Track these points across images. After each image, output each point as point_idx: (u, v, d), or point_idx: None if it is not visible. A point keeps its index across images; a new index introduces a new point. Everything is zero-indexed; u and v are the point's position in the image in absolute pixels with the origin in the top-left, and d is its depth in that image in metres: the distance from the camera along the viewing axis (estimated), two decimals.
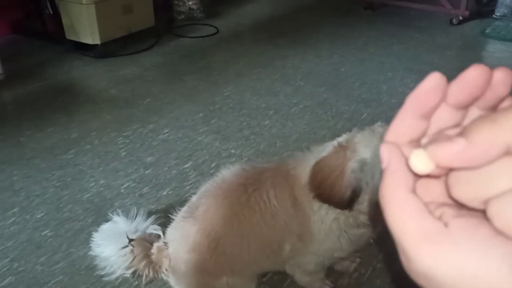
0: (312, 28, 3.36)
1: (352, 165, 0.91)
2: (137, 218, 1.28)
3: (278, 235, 1.06)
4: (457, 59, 2.82)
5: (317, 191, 0.95)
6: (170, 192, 1.63)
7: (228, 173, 1.12)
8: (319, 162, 0.96)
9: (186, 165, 1.80)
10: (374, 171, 0.90)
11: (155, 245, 1.21)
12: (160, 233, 1.23)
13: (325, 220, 1.02)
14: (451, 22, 3.37)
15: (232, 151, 1.89)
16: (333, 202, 0.94)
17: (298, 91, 2.41)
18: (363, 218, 0.98)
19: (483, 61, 2.86)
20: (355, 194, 0.91)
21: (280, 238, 1.07)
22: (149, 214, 1.32)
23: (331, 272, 1.30)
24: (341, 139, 0.97)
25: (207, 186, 1.14)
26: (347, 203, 0.93)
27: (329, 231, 1.02)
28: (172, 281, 1.22)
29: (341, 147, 0.95)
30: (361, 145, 0.93)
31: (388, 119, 1.03)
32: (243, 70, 2.67)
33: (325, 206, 1.00)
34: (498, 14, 3.49)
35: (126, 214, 1.30)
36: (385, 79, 2.55)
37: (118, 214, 1.29)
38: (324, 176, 0.94)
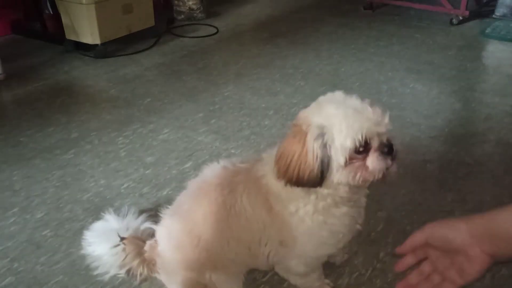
0: (312, 28, 3.36)
1: (311, 135, 0.90)
2: (128, 216, 1.28)
3: (254, 237, 1.05)
4: (457, 59, 2.82)
5: (286, 177, 0.94)
6: (170, 192, 1.63)
7: (208, 171, 1.12)
8: (279, 149, 0.96)
9: (186, 165, 1.80)
10: (333, 133, 0.89)
11: (148, 242, 1.22)
12: (154, 228, 1.23)
13: (305, 219, 1.00)
14: (451, 22, 3.37)
15: (232, 151, 1.89)
16: (305, 182, 0.92)
17: (298, 91, 2.41)
18: (342, 190, 0.96)
19: (483, 61, 2.86)
20: (324, 164, 0.90)
21: (257, 241, 1.06)
22: (141, 212, 1.33)
23: (331, 272, 1.30)
24: (293, 121, 0.97)
25: (191, 184, 1.15)
26: (320, 177, 0.92)
27: (311, 228, 1.01)
28: (163, 278, 1.22)
29: (294, 126, 0.95)
30: (313, 116, 0.93)
31: (388, 119, 1.03)
32: (243, 70, 2.67)
33: (302, 205, 0.99)
34: (498, 14, 3.49)
35: (118, 212, 1.30)
36: (385, 79, 2.55)
37: (109, 213, 1.29)
38: (287, 159, 0.93)
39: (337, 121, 0.89)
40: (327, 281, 1.26)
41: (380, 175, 0.92)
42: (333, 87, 2.41)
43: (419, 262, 0.87)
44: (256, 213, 1.03)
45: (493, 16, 3.50)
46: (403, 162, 1.80)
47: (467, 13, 3.33)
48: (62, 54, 2.86)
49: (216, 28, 3.33)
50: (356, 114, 0.89)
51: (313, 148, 0.89)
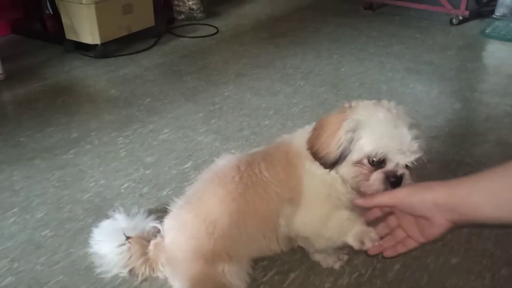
0: (312, 28, 3.36)
1: (347, 124, 0.94)
2: (137, 216, 1.28)
3: (272, 209, 1.08)
4: (457, 59, 2.82)
5: (311, 145, 0.99)
6: (170, 192, 1.63)
7: (222, 161, 1.15)
8: (322, 118, 1.01)
9: (186, 165, 1.80)
10: (363, 133, 0.93)
11: (152, 242, 1.22)
12: (160, 227, 1.23)
13: (316, 173, 1.03)
14: (451, 22, 3.37)
15: (232, 151, 1.89)
16: (319, 157, 0.97)
17: (298, 91, 2.41)
18: (340, 185, 1.01)
19: (483, 61, 2.86)
20: (342, 154, 0.94)
21: (274, 213, 1.08)
22: (150, 212, 1.33)
23: (331, 272, 1.30)
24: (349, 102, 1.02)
25: (202, 175, 1.16)
26: (333, 162, 0.96)
27: (321, 182, 1.03)
28: (167, 272, 1.21)
29: (345, 107, 0.99)
30: (362, 108, 0.97)
31: (417, 155, 1.07)
32: (243, 70, 2.67)
33: (314, 166, 1.01)
34: (498, 14, 3.49)
35: (128, 212, 1.30)
36: (385, 79, 2.55)
37: (119, 212, 1.29)
38: (321, 131, 0.98)
39: (373, 127, 0.93)
40: (343, 254, 1.30)
41: (372, 192, 0.95)
42: (333, 87, 2.44)
43: (385, 216, 0.97)
44: (271, 175, 1.06)
45: (493, 16, 3.50)
46: None
47: (467, 13, 3.33)
48: (62, 54, 2.86)
49: (216, 28, 3.33)
50: (391, 132, 0.91)
51: (341, 137, 0.94)
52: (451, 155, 1.86)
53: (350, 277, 1.30)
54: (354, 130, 0.93)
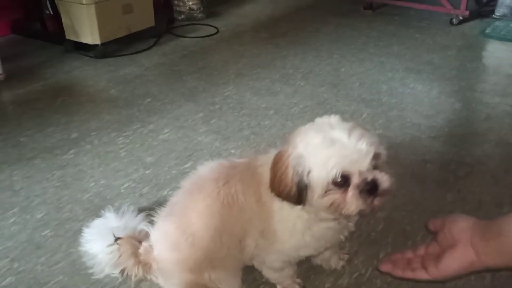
0: (312, 28, 3.36)
1: (291, 162, 0.91)
2: (126, 215, 1.28)
3: (243, 230, 1.07)
4: (457, 59, 2.82)
5: (271, 188, 0.96)
6: (170, 192, 1.62)
7: (204, 168, 1.13)
8: (275, 157, 0.97)
9: (186, 165, 1.80)
10: (309, 165, 0.90)
11: (144, 245, 1.22)
12: (150, 230, 1.23)
13: (287, 219, 1.01)
14: (451, 22, 3.37)
15: (232, 151, 1.89)
16: (284, 198, 0.94)
17: (298, 91, 2.41)
18: (323, 214, 0.96)
19: (483, 61, 2.86)
20: (300, 189, 0.91)
21: (245, 233, 1.07)
22: (140, 211, 1.33)
23: (331, 272, 1.31)
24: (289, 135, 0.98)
25: (184, 183, 1.15)
26: (297, 199, 0.93)
27: (292, 229, 1.02)
28: (161, 282, 1.22)
29: (285, 144, 0.96)
30: (299, 140, 0.93)
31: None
32: (243, 70, 2.67)
33: (286, 206, 0.99)
34: (498, 14, 3.49)
35: (118, 211, 1.30)
36: (385, 79, 2.55)
37: (109, 211, 1.29)
38: (275, 172, 0.95)
39: (315, 153, 0.89)
40: (298, 280, 1.25)
41: (356, 211, 0.90)
42: (333, 87, 2.44)
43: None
44: (247, 201, 1.04)
45: (493, 16, 3.50)
46: (403, 162, 1.80)
47: (467, 13, 3.33)
48: (62, 54, 2.86)
49: (216, 28, 3.33)
50: (335, 149, 0.87)
51: (291, 173, 0.91)
52: (451, 155, 1.86)
53: (350, 277, 1.30)
54: (299, 164, 0.90)
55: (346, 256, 1.34)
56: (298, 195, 0.92)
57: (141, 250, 1.21)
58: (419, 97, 2.34)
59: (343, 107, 2.24)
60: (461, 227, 0.81)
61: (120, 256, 1.19)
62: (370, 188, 0.88)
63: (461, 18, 3.35)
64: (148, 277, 1.22)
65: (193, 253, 1.08)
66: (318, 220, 0.99)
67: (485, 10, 3.58)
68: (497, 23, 3.36)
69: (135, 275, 1.21)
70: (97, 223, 1.28)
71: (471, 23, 3.39)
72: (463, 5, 3.31)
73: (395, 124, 2.08)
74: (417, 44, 3.06)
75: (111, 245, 1.19)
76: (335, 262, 1.30)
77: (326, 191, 0.90)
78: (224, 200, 1.05)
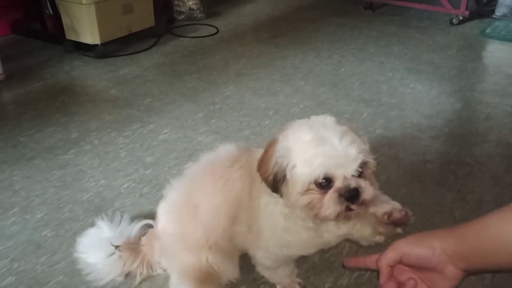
0: (312, 28, 3.36)
1: (277, 152, 0.91)
2: (121, 223, 1.28)
3: (235, 216, 1.07)
4: (457, 59, 2.82)
5: (258, 167, 0.96)
6: None
7: (223, 148, 1.14)
8: (269, 142, 0.97)
9: (186, 165, 1.79)
10: (295, 160, 0.89)
11: (143, 238, 1.23)
12: (153, 223, 1.24)
13: (270, 216, 1.01)
14: (451, 22, 3.37)
15: None
16: (264, 181, 0.95)
17: (298, 91, 2.41)
18: (299, 212, 0.96)
19: (483, 61, 2.86)
20: (276, 179, 0.91)
21: (236, 220, 1.07)
22: (133, 218, 1.33)
23: (331, 272, 1.31)
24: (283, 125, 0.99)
25: (202, 157, 1.16)
26: (273, 187, 0.93)
27: (274, 226, 1.01)
28: (164, 264, 1.23)
29: (280, 130, 0.97)
30: (291, 131, 0.93)
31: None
32: (243, 70, 2.67)
33: (271, 202, 0.99)
34: (498, 14, 3.49)
35: (111, 219, 1.30)
36: (385, 79, 2.55)
37: (103, 220, 1.29)
38: (263, 155, 0.96)
39: (303, 149, 0.89)
40: (298, 280, 1.25)
41: (333, 216, 0.89)
42: (333, 87, 2.43)
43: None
44: (242, 191, 1.05)
45: (493, 16, 3.50)
46: (403, 162, 1.80)
47: (467, 13, 3.33)
48: (62, 54, 2.86)
49: (216, 28, 3.33)
50: (321, 150, 0.86)
51: (273, 162, 0.91)
52: (451, 155, 1.86)
53: (350, 277, 1.30)
54: (283, 157, 0.90)
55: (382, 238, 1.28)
56: (273, 183, 0.92)
57: (143, 240, 1.22)
58: (419, 97, 2.34)
59: (343, 107, 2.24)
60: (422, 255, 0.77)
61: (124, 263, 1.20)
62: (351, 196, 0.87)
63: (461, 18, 3.35)
64: (154, 273, 1.24)
65: (193, 226, 1.10)
66: (296, 217, 0.99)
67: (485, 10, 3.58)
68: (497, 23, 3.36)
69: (140, 274, 1.22)
70: (91, 232, 1.28)
71: (471, 23, 3.39)
72: (463, 5, 3.31)
73: (395, 124, 2.08)
74: (417, 44, 3.06)
75: (112, 254, 1.20)
76: (373, 235, 1.21)
77: (307, 190, 0.89)
78: (227, 183, 1.06)
